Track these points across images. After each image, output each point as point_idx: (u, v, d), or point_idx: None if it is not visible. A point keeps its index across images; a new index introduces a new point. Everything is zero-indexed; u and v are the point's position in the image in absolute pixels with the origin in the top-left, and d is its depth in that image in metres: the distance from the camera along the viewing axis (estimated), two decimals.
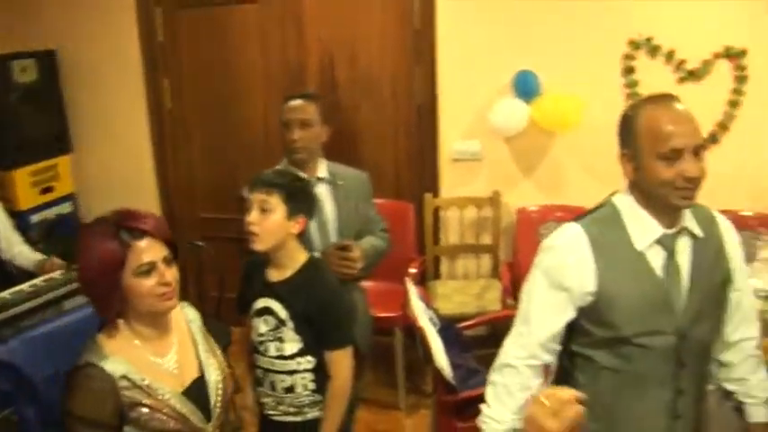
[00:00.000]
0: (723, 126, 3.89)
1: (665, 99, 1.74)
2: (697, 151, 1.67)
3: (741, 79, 3.84)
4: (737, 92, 3.85)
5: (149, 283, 1.67)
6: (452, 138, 4.01)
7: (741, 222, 3.72)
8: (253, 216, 2.13)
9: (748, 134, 3.88)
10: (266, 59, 4.15)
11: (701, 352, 1.83)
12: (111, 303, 1.69)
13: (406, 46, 4.02)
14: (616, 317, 1.78)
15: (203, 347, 1.89)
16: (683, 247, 1.79)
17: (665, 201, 1.71)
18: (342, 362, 2.23)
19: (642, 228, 1.77)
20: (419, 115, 4.08)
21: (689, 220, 1.79)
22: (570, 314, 1.80)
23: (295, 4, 4.04)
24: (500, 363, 1.86)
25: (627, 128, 1.74)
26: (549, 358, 1.85)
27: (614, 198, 1.83)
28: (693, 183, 1.67)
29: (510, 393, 1.81)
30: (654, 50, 3.84)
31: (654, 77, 3.84)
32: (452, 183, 4.06)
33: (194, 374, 1.83)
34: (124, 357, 1.69)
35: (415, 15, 3.97)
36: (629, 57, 3.86)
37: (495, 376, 1.86)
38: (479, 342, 3.65)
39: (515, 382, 1.82)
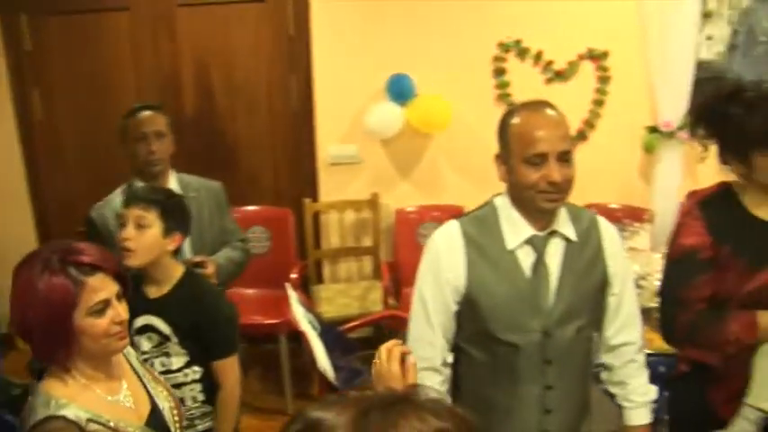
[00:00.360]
0: (590, 124, 4.03)
1: (538, 105, 1.78)
2: (562, 157, 1.71)
3: (604, 79, 3.99)
4: (601, 91, 4.01)
5: (104, 322, 1.52)
6: (329, 142, 4.02)
7: (609, 215, 3.81)
8: (128, 232, 2.10)
9: (613, 131, 4.03)
10: (139, 69, 4.08)
11: (568, 350, 1.85)
12: (60, 348, 1.51)
13: (281, 52, 4.03)
14: (484, 313, 1.83)
15: (147, 377, 1.79)
16: (555, 249, 1.83)
17: (531, 203, 1.77)
18: (229, 370, 2.21)
19: (514, 228, 1.81)
20: (296, 121, 4.07)
21: (563, 223, 1.84)
22: (453, 306, 1.85)
23: (166, 11, 4.00)
24: (420, 368, 1.85)
25: (502, 130, 1.79)
26: (448, 348, 1.91)
27: (496, 198, 1.88)
28: (557, 187, 1.71)
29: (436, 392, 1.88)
30: (523, 52, 3.95)
31: (523, 79, 3.96)
32: (331, 187, 4.06)
33: (148, 406, 1.72)
34: (82, 402, 1.53)
35: (289, 22, 3.99)
36: (499, 59, 3.96)
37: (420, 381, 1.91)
38: (364, 343, 3.64)
39: (437, 381, 1.88)
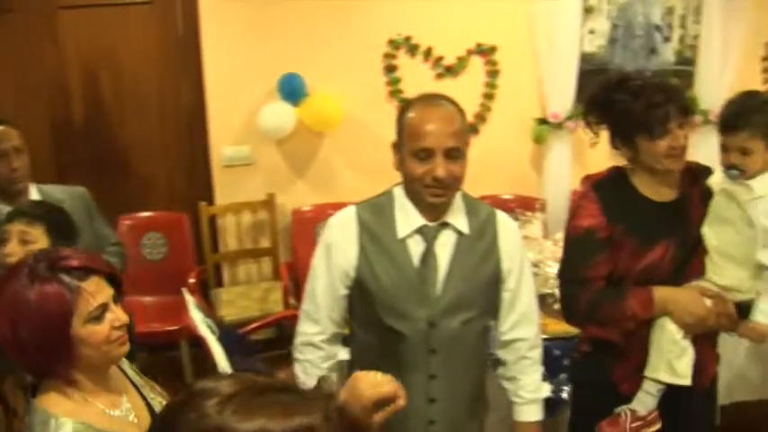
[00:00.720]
0: (481, 117, 4.11)
1: (434, 99, 1.80)
2: (450, 154, 1.72)
3: (493, 73, 4.08)
4: (491, 85, 4.09)
5: (104, 328, 1.41)
6: (223, 144, 3.98)
7: (502, 205, 3.91)
8: (12, 247, 2.04)
9: (503, 124, 4.12)
10: (23, 75, 3.96)
11: (454, 341, 1.86)
12: (58, 361, 1.39)
13: (171, 54, 3.97)
14: (372, 299, 1.84)
15: (146, 388, 1.67)
16: (445, 241, 1.85)
17: (418, 196, 1.79)
18: None
19: (406, 217, 1.83)
20: (188, 123, 4.02)
21: (456, 215, 1.85)
22: (343, 290, 1.87)
23: (48, 13, 3.89)
24: (299, 341, 1.93)
25: (399, 121, 1.80)
26: (339, 329, 1.95)
27: (395, 187, 1.88)
28: (441, 183, 1.73)
29: (316, 366, 1.91)
30: (413, 49, 4.00)
31: (414, 75, 4.01)
32: (226, 189, 4.02)
33: (148, 419, 1.59)
34: (84, 418, 1.40)
35: (177, 23, 3.93)
36: (389, 55, 4.00)
37: (297, 354, 1.95)
38: (266, 345, 3.61)
39: (317, 356, 1.92)
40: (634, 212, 1.95)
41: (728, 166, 1.88)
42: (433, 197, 1.76)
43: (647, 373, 1.94)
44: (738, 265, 1.90)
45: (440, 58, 4.02)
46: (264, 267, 4.15)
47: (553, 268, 3.13)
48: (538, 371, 2.05)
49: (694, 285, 1.94)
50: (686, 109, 1.89)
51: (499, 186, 4.10)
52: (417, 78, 3.98)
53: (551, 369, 2.59)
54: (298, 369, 1.94)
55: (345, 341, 2.04)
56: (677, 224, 1.95)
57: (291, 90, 3.87)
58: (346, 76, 3.94)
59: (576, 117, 4.07)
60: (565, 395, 2.52)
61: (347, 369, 2.03)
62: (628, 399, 1.99)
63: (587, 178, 2.06)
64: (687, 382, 1.91)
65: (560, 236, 3.50)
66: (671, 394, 1.95)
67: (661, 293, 1.91)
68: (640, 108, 1.87)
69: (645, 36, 4.22)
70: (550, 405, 2.47)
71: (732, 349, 2.37)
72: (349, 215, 1.85)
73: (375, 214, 1.84)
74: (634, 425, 1.95)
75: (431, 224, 1.81)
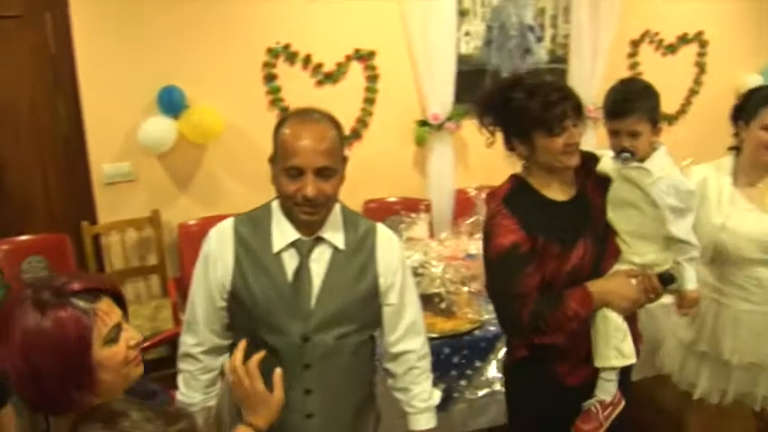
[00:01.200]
0: (363, 122, 4.18)
1: (307, 115, 1.78)
2: (321, 173, 1.72)
3: (373, 78, 4.15)
4: (371, 90, 4.16)
5: (121, 349, 1.36)
6: (103, 161, 3.90)
7: (388, 209, 4.02)
8: None
9: (385, 127, 4.21)
10: None
11: (329, 356, 1.87)
12: (78, 391, 1.31)
13: (44, 71, 3.86)
14: (248, 312, 1.84)
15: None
16: (320, 256, 1.85)
17: (291, 212, 1.80)
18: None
19: (281, 231, 1.83)
20: (65, 142, 3.92)
21: (332, 230, 1.85)
22: (221, 302, 1.87)
23: None
24: (181, 352, 1.95)
25: (274, 136, 1.79)
26: (220, 341, 1.94)
27: (273, 201, 1.88)
28: (311, 202, 1.73)
29: (195, 378, 1.94)
30: (292, 57, 4.03)
31: (294, 83, 4.04)
32: (109, 207, 3.94)
33: None
34: None
35: (49, 39, 3.83)
36: (268, 64, 4.01)
37: (180, 365, 1.96)
38: (158, 363, 3.54)
39: (195, 368, 1.94)
40: (549, 219, 2.00)
41: (620, 150, 1.99)
42: (304, 215, 1.77)
43: (599, 363, 2.02)
44: (651, 242, 2.02)
45: (319, 65, 4.06)
46: (153, 285, 4.09)
47: (438, 268, 3.21)
48: (428, 379, 2.09)
49: (618, 271, 2.05)
50: (579, 108, 1.95)
51: (384, 189, 4.18)
52: (297, 86, 4.02)
53: (442, 368, 2.67)
54: (179, 379, 1.96)
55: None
56: (587, 219, 2.04)
57: (171, 103, 3.83)
58: (226, 86, 3.93)
59: (456, 118, 4.19)
60: (456, 394, 2.60)
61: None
62: (575, 390, 2.07)
63: (493, 195, 2.08)
64: (634, 359, 2.04)
65: (445, 235, 3.63)
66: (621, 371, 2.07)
67: (595, 287, 1.98)
68: (537, 106, 1.92)
69: (519, 36, 4.37)
70: (441, 401, 2.55)
71: None
72: (226, 227, 1.86)
73: (252, 227, 1.85)
74: (605, 413, 2.05)
75: (305, 239, 1.83)
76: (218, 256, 1.83)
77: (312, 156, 1.71)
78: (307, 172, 1.71)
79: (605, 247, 2.06)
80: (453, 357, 2.61)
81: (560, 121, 1.92)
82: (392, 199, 4.18)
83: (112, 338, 1.34)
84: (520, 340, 2.14)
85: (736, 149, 2.55)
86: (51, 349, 1.27)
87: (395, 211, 3.89)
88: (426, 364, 2.08)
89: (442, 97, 4.17)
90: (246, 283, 1.83)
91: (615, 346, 2.00)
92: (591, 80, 4.47)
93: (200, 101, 3.87)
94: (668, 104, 4.88)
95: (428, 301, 2.80)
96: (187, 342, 1.93)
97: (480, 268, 2.40)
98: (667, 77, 4.84)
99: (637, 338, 2.16)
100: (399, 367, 2.05)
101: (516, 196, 2.04)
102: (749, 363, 2.57)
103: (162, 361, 3.55)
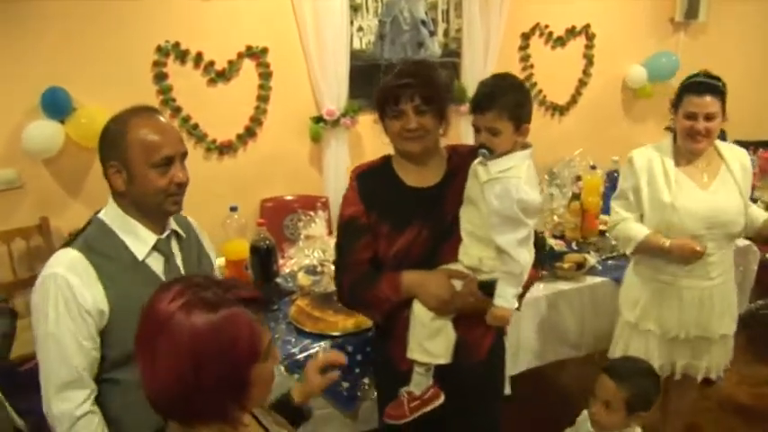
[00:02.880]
0: (257, 121, 4.18)
1: (149, 111, 1.81)
2: (183, 158, 1.81)
3: (266, 75, 4.17)
4: (264, 87, 4.19)
5: (270, 367, 1.30)
6: None
7: (285, 207, 4.03)
8: None
9: (280, 125, 4.23)
10: None
11: None
12: (233, 402, 1.24)
13: None
14: (131, 329, 1.75)
15: (268, 419, 1.52)
16: (175, 249, 1.91)
17: (158, 208, 1.80)
18: None
19: (137, 237, 1.82)
20: None
21: (172, 221, 1.91)
22: (98, 338, 1.76)
23: None
24: (70, 424, 1.75)
25: (114, 141, 1.77)
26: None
27: (100, 215, 1.86)
28: (183, 188, 1.80)
29: None
30: (182, 55, 3.99)
31: (185, 81, 4.01)
32: None
33: None
34: None
35: None
36: (158, 63, 3.96)
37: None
38: None
39: (97, 422, 1.79)
40: (388, 198, 2.08)
41: (479, 146, 1.97)
42: (174, 205, 1.82)
43: (407, 354, 2.06)
44: (481, 245, 2.00)
45: (211, 63, 4.05)
46: None
47: None
48: None
49: (445, 268, 2.05)
50: (430, 97, 1.98)
51: (280, 188, 4.21)
52: (189, 85, 4.00)
53: (346, 366, 2.69)
54: None
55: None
56: (432, 208, 2.07)
57: (56, 105, 3.74)
58: (115, 86, 3.85)
59: (350, 113, 4.25)
60: (359, 392, 2.64)
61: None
62: (407, 375, 2.10)
63: (356, 168, 2.21)
64: (443, 360, 2.04)
65: None
66: (449, 370, 2.07)
67: (409, 277, 2.02)
68: (380, 88, 2.03)
69: (411, 31, 4.47)
70: (346, 400, 2.62)
71: (513, 322, 2.55)
72: (74, 257, 1.75)
73: (99, 249, 1.78)
74: (412, 405, 2.06)
75: (162, 237, 1.86)
76: (82, 288, 1.72)
77: (177, 143, 1.80)
78: (175, 159, 1.77)
79: (446, 242, 2.07)
80: (357, 355, 2.64)
81: (395, 104, 1.99)
82: (289, 197, 4.21)
83: (267, 355, 1.29)
84: (348, 308, 2.30)
85: (673, 131, 2.71)
86: (223, 349, 1.19)
87: (292, 210, 3.89)
88: None
89: (336, 93, 4.23)
90: (126, 300, 1.74)
91: (419, 342, 2.03)
92: (483, 73, 4.60)
93: (87, 102, 3.79)
94: (558, 96, 5.12)
95: (328, 300, 2.83)
96: (77, 400, 1.75)
97: None
98: (557, 69, 5.09)
99: (482, 335, 2.17)
100: None
101: (372, 173, 2.16)
102: (695, 336, 2.72)
103: None
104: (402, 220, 2.06)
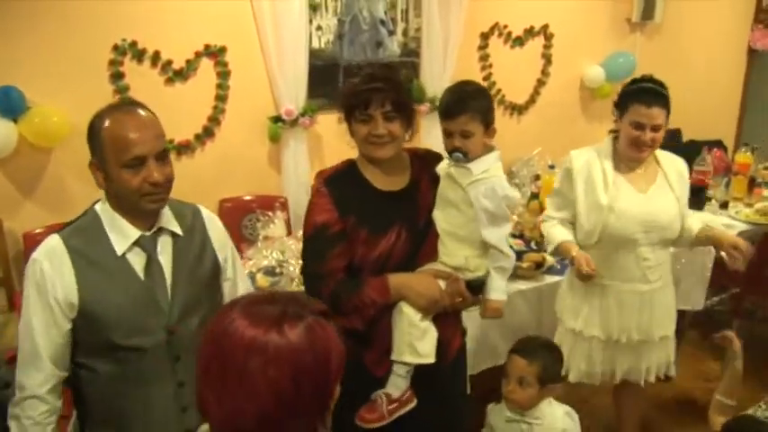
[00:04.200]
0: (215, 120, 4.18)
1: (128, 107, 1.81)
2: (160, 156, 1.77)
3: (224, 74, 4.17)
4: (222, 86, 4.18)
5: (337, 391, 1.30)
6: None
7: (244, 207, 4.04)
8: None
9: (238, 125, 4.24)
10: None
11: (195, 343, 1.87)
12: (319, 421, 1.23)
13: None
14: (103, 323, 1.81)
15: None
16: (164, 247, 1.88)
17: (135, 207, 1.79)
18: None
19: (120, 232, 1.82)
20: None
21: (168, 219, 1.89)
22: (67, 325, 1.79)
23: None
24: (20, 397, 1.81)
25: (92, 138, 1.77)
26: (63, 373, 1.84)
27: (96, 205, 1.86)
28: (160, 188, 1.77)
29: (38, 424, 1.81)
30: (139, 54, 3.97)
31: (142, 81, 3.98)
32: None
33: None
34: None
35: None
36: (115, 62, 3.93)
37: (17, 411, 1.82)
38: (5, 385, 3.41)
39: (41, 411, 1.81)
40: (364, 204, 2.09)
41: (452, 150, 2.05)
42: (152, 204, 1.80)
43: (393, 356, 2.09)
44: (464, 245, 2.07)
45: (168, 62, 4.02)
46: None
47: (296, 267, 3.25)
48: None
49: (427, 269, 2.11)
50: (400, 101, 2.02)
51: (239, 188, 4.21)
52: (146, 84, 3.97)
53: None
54: (14, 428, 1.83)
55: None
56: (407, 211, 2.12)
57: (9, 104, 3.69)
58: (70, 85, 3.82)
59: (309, 113, 4.26)
60: None
61: (77, 411, 1.99)
62: (383, 382, 2.13)
63: (320, 173, 2.18)
64: (431, 360, 2.08)
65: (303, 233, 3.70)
66: (422, 371, 2.10)
67: (395, 280, 2.05)
68: (348, 91, 2.05)
69: (371, 30, 4.50)
70: None
71: (472, 322, 2.64)
72: (55, 244, 1.79)
73: (83, 237, 1.82)
74: (390, 407, 2.09)
75: (147, 233, 1.85)
76: (55, 278, 1.76)
77: (151, 141, 1.75)
78: (149, 159, 1.74)
79: (422, 244, 2.13)
80: None
81: (364, 108, 2.01)
82: (248, 197, 4.21)
83: None
84: None
85: (616, 134, 2.73)
86: (319, 361, 1.18)
87: (251, 210, 3.93)
88: None
89: (294, 92, 4.24)
90: (96, 294, 1.80)
91: (409, 343, 2.06)
92: (442, 73, 4.66)
93: (41, 102, 3.74)
94: (517, 95, 5.19)
95: None
96: (30, 382, 1.80)
97: None
98: (516, 69, 5.16)
99: (453, 335, 2.26)
100: None
101: (340, 178, 2.14)
102: (636, 340, 2.79)
103: (8, 383, 3.43)
104: (381, 223, 2.09)
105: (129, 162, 1.72)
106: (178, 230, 1.91)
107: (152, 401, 1.89)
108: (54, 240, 1.80)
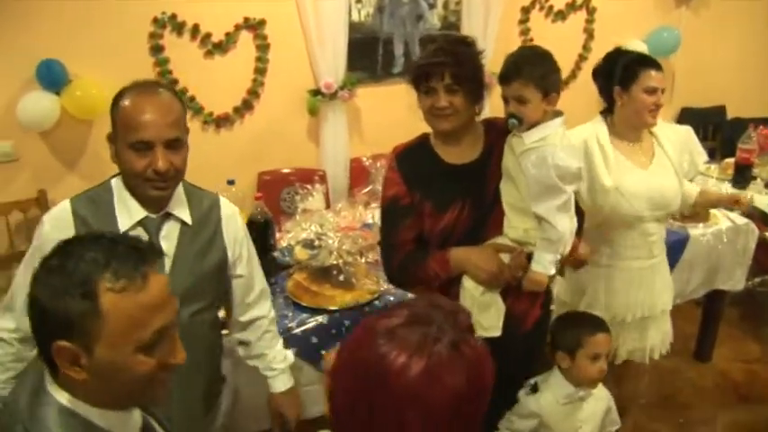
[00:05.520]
0: (254, 93, 4.19)
1: (150, 87, 1.76)
2: (171, 145, 1.71)
3: (263, 48, 4.15)
4: (262, 60, 4.16)
5: None
6: None
7: (283, 180, 4.04)
8: None
9: (278, 98, 4.22)
10: None
11: (184, 335, 1.83)
12: None
13: None
14: None
15: None
16: (170, 232, 1.84)
17: (138, 190, 1.77)
18: None
19: (126, 210, 1.79)
20: None
21: (178, 205, 1.85)
22: None
23: None
24: None
25: (113, 111, 1.73)
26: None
27: (113, 179, 1.84)
28: (163, 176, 1.72)
29: (2, 364, 1.81)
30: (179, 27, 3.97)
31: (182, 54, 3.99)
32: None
33: None
34: None
35: None
36: (155, 35, 3.94)
37: None
38: None
39: (7, 352, 1.82)
40: (430, 178, 2.11)
41: (509, 116, 2.01)
42: (155, 191, 1.75)
43: None
44: (525, 217, 2.04)
45: (207, 36, 4.02)
46: None
47: (335, 240, 3.22)
48: (280, 341, 2.20)
49: (490, 243, 2.10)
50: (461, 77, 1.98)
51: (278, 161, 4.20)
52: (186, 58, 3.98)
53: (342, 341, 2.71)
54: None
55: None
56: (473, 185, 2.10)
57: (51, 77, 3.72)
58: (110, 59, 3.84)
59: (348, 86, 4.23)
60: None
61: None
62: None
63: (395, 149, 2.20)
64: (495, 333, 2.06)
65: (341, 206, 3.67)
66: (495, 342, 2.05)
67: (456, 254, 2.06)
68: (414, 63, 2.05)
69: (411, 3, 4.44)
70: None
71: None
72: (63, 210, 1.78)
73: (92, 207, 1.79)
74: None
75: (153, 216, 1.82)
76: (53, 241, 1.72)
77: (162, 128, 1.69)
78: (156, 145, 1.68)
79: (488, 218, 2.11)
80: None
81: (426, 80, 2.00)
82: (286, 170, 4.21)
83: None
84: (394, 286, 2.34)
85: (609, 113, 2.66)
86: (480, 393, 1.07)
87: (289, 183, 3.92)
88: (275, 327, 2.18)
89: (334, 66, 4.21)
90: None
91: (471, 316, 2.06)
92: (483, 46, 4.52)
93: (83, 75, 3.77)
94: None
95: (326, 274, 2.83)
96: (3, 325, 1.81)
97: (377, 237, 2.50)
98: (557, 44, 4.93)
99: (531, 306, 2.22)
100: (253, 334, 2.12)
101: (411, 152, 2.17)
102: (641, 317, 2.72)
103: None
104: (444, 199, 2.09)
105: (135, 144, 1.68)
106: (187, 219, 1.86)
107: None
108: (64, 205, 1.79)
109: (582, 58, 5.29)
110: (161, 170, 1.69)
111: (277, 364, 2.14)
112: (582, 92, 5.25)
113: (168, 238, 1.84)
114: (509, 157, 2.05)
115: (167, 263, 1.83)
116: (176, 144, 1.72)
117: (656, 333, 2.81)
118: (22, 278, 1.77)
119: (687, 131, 2.79)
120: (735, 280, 3.74)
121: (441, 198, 2.08)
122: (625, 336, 2.77)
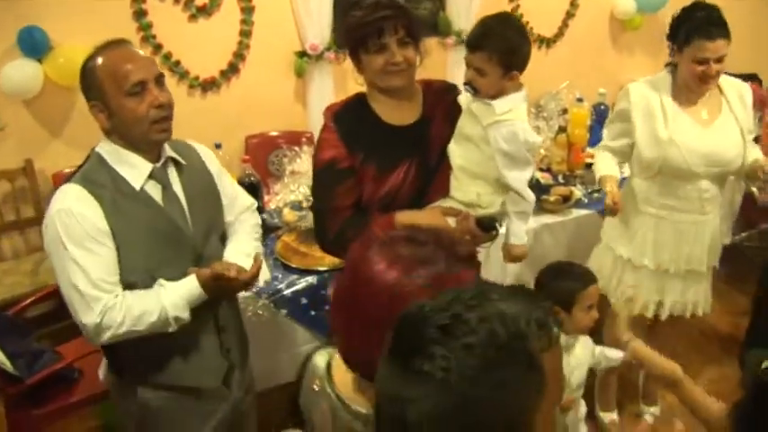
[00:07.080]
0: (240, 56, 4.13)
1: (116, 43, 1.81)
2: (159, 81, 1.79)
3: (248, 10, 4.11)
4: (247, 22, 4.12)
5: None
6: None
7: (270, 143, 4.02)
8: None
9: (264, 60, 4.18)
10: None
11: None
12: None
13: None
14: (134, 258, 1.81)
15: None
16: (174, 177, 1.90)
17: (145, 138, 1.79)
18: None
19: (132, 167, 1.81)
20: None
21: (169, 150, 1.90)
22: (104, 248, 1.77)
23: None
24: (93, 323, 1.77)
25: (88, 80, 1.79)
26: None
27: (97, 148, 1.85)
28: (165, 110, 1.78)
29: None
30: None
31: (165, 18, 3.94)
32: None
33: None
34: None
35: None
36: (137, 0, 3.85)
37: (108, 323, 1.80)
38: (43, 320, 3.47)
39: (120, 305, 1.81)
40: (372, 139, 2.01)
41: (466, 83, 1.95)
42: (161, 133, 1.81)
43: None
44: (478, 181, 2.00)
45: None
46: (32, 238, 3.96)
47: None
48: (258, 243, 2.18)
49: (436, 206, 2.04)
50: (412, 28, 1.94)
51: (265, 123, 4.18)
52: (170, 22, 3.93)
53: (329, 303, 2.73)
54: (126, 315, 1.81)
55: None
56: (417, 145, 2.04)
57: (33, 44, 3.67)
58: (93, 25, 3.76)
59: (334, 47, 4.19)
60: None
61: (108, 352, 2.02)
62: None
63: (329, 109, 2.10)
64: None
65: None
66: None
67: (402, 217, 1.98)
68: (356, 21, 1.94)
69: None
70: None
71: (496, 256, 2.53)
72: (77, 191, 1.76)
73: (98, 180, 1.79)
74: None
75: (158, 165, 1.86)
76: (91, 215, 1.74)
77: (148, 66, 1.78)
78: (149, 83, 1.75)
79: (433, 180, 2.06)
80: None
81: (377, 37, 1.92)
82: (274, 133, 4.19)
83: None
84: (328, 253, 2.23)
85: (674, 67, 2.62)
86: None
87: (277, 145, 3.89)
88: (257, 217, 2.22)
89: (319, 27, 4.17)
90: (131, 231, 1.79)
91: None
92: (470, 4, 4.54)
93: (65, 41, 3.71)
94: (545, 28, 5.06)
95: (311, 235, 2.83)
96: (101, 304, 1.75)
97: None
98: (545, 1, 5.00)
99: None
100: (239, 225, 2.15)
101: (348, 113, 2.06)
102: (685, 270, 2.74)
103: (45, 317, 3.48)
104: (390, 159, 2.01)
105: (131, 89, 1.73)
106: (182, 160, 1.93)
107: (195, 325, 1.90)
108: (73, 188, 1.77)
109: (569, 15, 5.23)
110: (164, 103, 1.77)
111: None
112: (568, 49, 5.27)
113: (175, 183, 1.91)
114: (471, 123, 1.97)
115: (183, 204, 1.89)
116: (162, 80, 1.81)
117: (699, 289, 2.83)
118: (78, 258, 1.74)
119: (747, 89, 2.71)
120: (721, 233, 3.77)
121: (386, 159, 2.00)
122: (669, 287, 2.79)
